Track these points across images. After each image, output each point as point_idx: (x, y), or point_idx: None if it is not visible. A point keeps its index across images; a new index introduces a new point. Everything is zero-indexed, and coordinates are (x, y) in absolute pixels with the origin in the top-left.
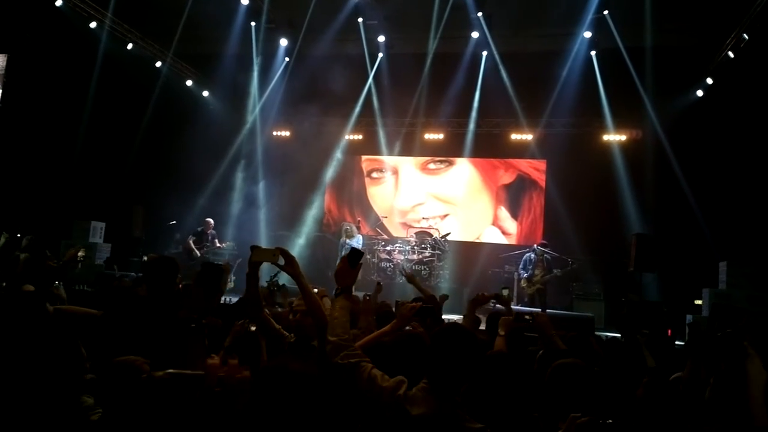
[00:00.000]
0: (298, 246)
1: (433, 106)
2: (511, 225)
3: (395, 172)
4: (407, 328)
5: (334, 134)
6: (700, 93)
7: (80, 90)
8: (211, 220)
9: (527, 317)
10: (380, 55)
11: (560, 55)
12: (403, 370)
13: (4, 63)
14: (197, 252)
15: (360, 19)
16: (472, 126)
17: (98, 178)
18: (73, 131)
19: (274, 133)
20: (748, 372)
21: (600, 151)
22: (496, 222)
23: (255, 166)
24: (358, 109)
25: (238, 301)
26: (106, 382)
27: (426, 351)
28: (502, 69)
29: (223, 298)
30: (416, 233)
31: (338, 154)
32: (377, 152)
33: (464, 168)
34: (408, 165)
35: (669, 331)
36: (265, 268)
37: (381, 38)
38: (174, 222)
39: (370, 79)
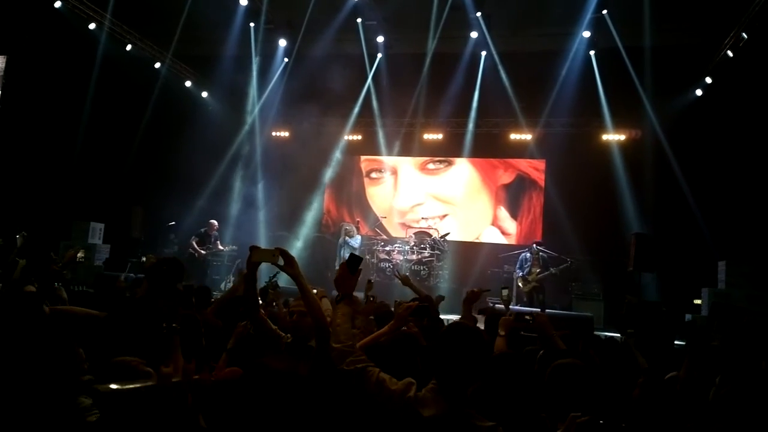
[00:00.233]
0: (297, 246)
1: (432, 106)
2: (511, 225)
3: (394, 172)
4: (403, 328)
5: (333, 134)
6: (699, 92)
7: (79, 91)
8: (215, 222)
9: (527, 317)
10: (379, 55)
11: (559, 55)
12: (399, 369)
13: (4, 64)
14: (200, 252)
15: (359, 20)
16: (471, 126)
17: (97, 179)
18: (73, 132)
19: (273, 134)
20: None
21: (599, 151)
22: (495, 222)
23: (254, 166)
24: (357, 109)
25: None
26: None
27: (420, 350)
28: (501, 69)
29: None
30: (415, 233)
31: (337, 155)
32: (376, 152)
33: (463, 168)
34: (407, 165)
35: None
36: (264, 269)
37: (380, 38)
38: (173, 223)
39: (369, 80)
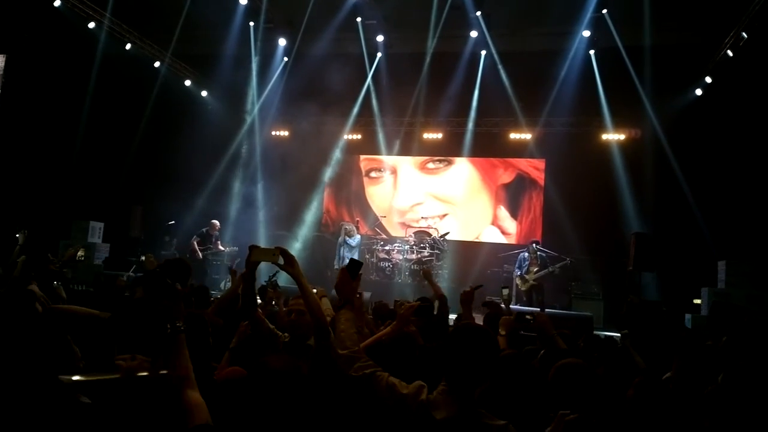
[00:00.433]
0: (296, 246)
1: (432, 105)
2: (511, 224)
3: (394, 171)
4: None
5: (332, 134)
6: (699, 92)
7: (79, 90)
8: (216, 222)
9: (528, 317)
10: (379, 54)
11: (559, 54)
12: (398, 368)
13: (3, 63)
14: (200, 253)
15: (359, 19)
16: (470, 125)
17: (97, 178)
18: (72, 131)
19: (273, 133)
20: None
21: (599, 151)
22: (495, 221)
23: (253, 166)
24: (356, 108)
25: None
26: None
27: (418, 349)
28: (501, 68)
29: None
30: (415, 233)
31: (337, 154)
32: (376, 152)
33: (463, 167)
34: (407, 164)
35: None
36: (264, 268)
37: (380, 38)
38: (173, 222)
39: (369, 79)
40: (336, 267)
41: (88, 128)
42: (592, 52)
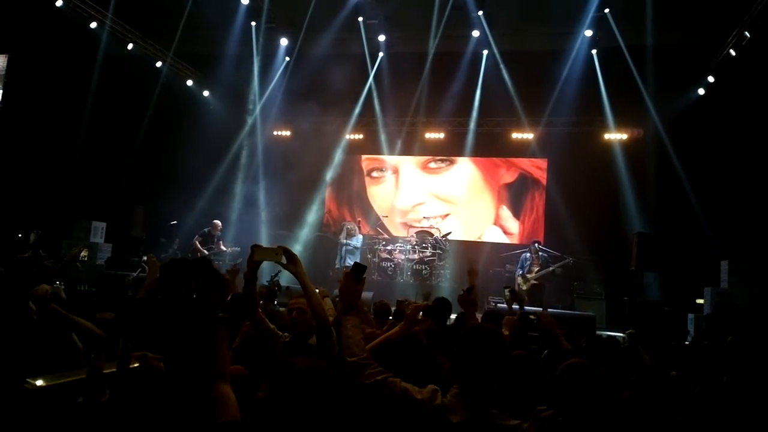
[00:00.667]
0: (298, 245)
1: (434, 105)
2: (513, 224)
3: (395, 171)
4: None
5: (334, 134)
6: (701, 91)
7: (81, 90)
8: (218, 222)
9: (532, 317)
10: (381, 54)
11: (561, 54)
12: (403, 369)
13: (5, 63)
14: (203, 252)
15: (360, 19)
16: (472, 125)
17: (99, 178)
18: (74, 131)
19: (275, 133)
20: None
21: (601, 150)
22: (497, 221)
23: (255, 165)
24: (358, 108)
25: (231, 299)
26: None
27: (422, 349)
28: (503, 68)
29: None
30: (417, 233)
31: (338, 154)
32: (378, 152)
33: (465, 167)
34: (408, 164)
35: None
36: (266, 267)
37: (381, 37)
38: (175, 222)
39: (371, 79)
40: (337, 267)
41: (90, 128)
42: (594, 51)
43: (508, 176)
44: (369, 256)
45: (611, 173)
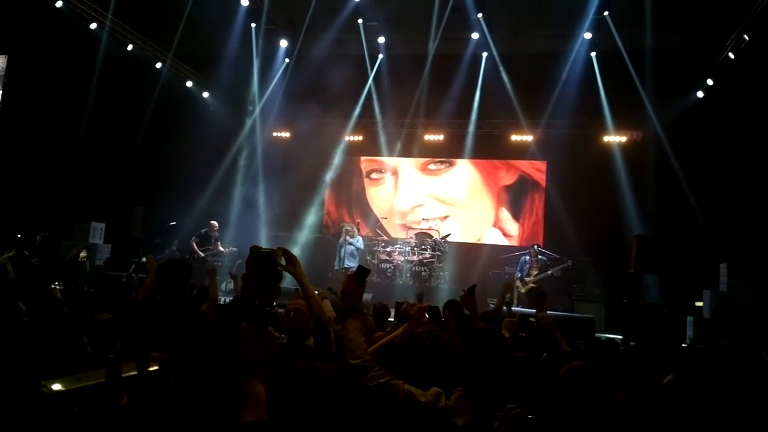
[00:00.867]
0: (297, 247)
1: (433, 107)
2: (513, 227)
3: (395, 173)
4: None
5: (333, 135)
6: (700, 94)
7: (80, 91)
8: (215, 223)
9: (531, 319)
10: (380, 56)
11: (560, 57)
12: (408, 371)
13: (5, 64)
14: (200, 254)
15: (360, 20)
16: (472, 127)
17: (98, 179)
18: (74, 132)
19: (274, 134)
20: None
21: (600, 153)
22: (497, 223)
23: (254, 167)
24: (358, 110)
25: (232, 300)
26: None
27: (426, 351)
28: (503, 70)
29: (221, 299)
30: (416, 234)
31: (338, 155)
32: (377, 153)
33: (465, 169)
34: (408, 166)
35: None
36: None
37: (381, 39)
38: (174, 223)
39: (370, 80)
40: (336, 268)
41: (90, 129)
42: (593, 54)
43: (508, 178)
44: (368, 258)
45: (610, 176)
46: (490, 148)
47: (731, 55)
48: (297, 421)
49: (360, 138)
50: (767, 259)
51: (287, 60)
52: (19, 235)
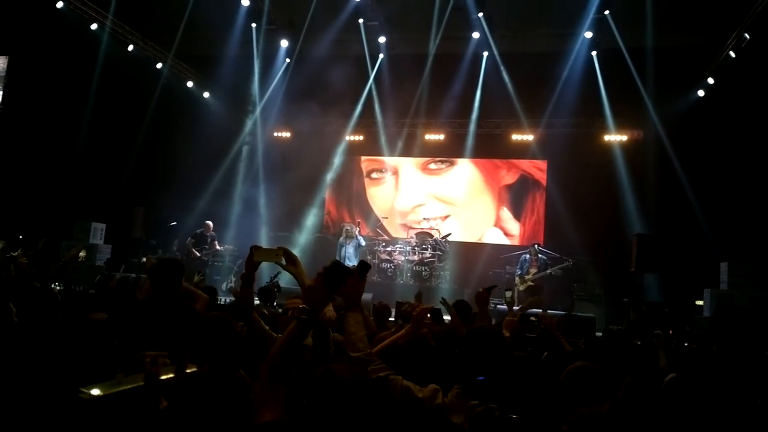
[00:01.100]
0: (297, 247)
1: (434, 106)
2: (514, 226)
3: (395, 172)
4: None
5: (334, 135)
6: (701, 93)
7: (81, 91)
8: (210, 223)
9: (532, 318)
10: (381, 55)
11: (561, 56)
12: (413, 371)
13: (5, 65)
14: (196, 254)
15: (360, 20)
16: (472, 127)
17: (99, 179)
18: (74, 132)
19: (275, 134)
20: None
21: (601, 152)
22: (498, 223)
23: (255, 167)
24: (358, 109)
25: (236, 301)
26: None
27: (431, 351)
28: (503, 69)
29: (221, 299)
30: (417, 234)
31: (338, 155)
32: (378, 153)
33: (465, 168)
34: (408, 165)
35: (670, 331)
36: (266, 268)
37: (381, 39)
38: (174, 223)
39: (371, 80)
40: None
41: (91, 129)
42: (594, 53)
43: (509, 177)
44: (369, 258)
45: (611, 175)
46: (490, 148)
47: (732, 54)
48: (311, 424)
49: (360, 138)
50: None
51: (288, 60)
52: (21, 237)
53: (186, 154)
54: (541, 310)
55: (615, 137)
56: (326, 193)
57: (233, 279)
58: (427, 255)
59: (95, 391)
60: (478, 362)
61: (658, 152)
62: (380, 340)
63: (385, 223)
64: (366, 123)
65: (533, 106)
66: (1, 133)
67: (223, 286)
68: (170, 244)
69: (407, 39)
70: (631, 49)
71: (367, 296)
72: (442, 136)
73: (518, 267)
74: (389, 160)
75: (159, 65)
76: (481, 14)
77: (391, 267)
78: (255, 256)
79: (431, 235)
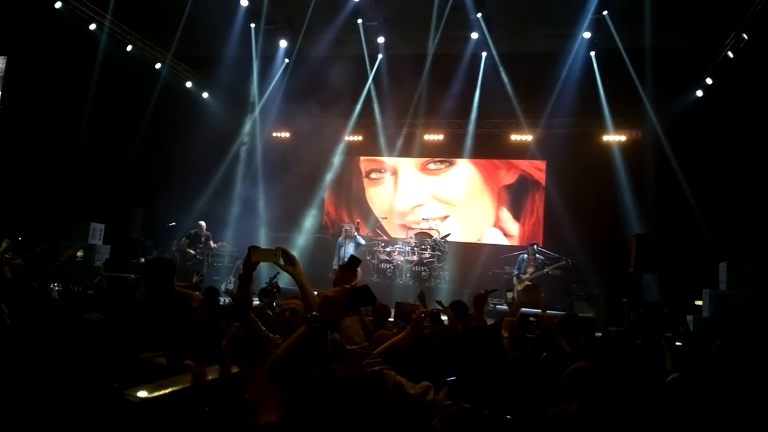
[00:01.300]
0: (297, 247)
1: (433, 106)
2: (513, 226)
3: (394, 172)
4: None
5: (333, 135)
6: (699, 93)
7: (80, 92)
8: (203, 223)
9: (531, 319)
10: (380, 56)
11: (560, 56)
12: (416, 372)
13: (4, 65)
14: (191, 253)
15: (359, 20)
16: (471, 127)
17: (98, 179)
18: (73, 133)
19: (274, 135)
20: None
21: (600, 152)
22: (497, 223)
23: (254, 167)
24: (357, 110)
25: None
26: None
27: (434, 352)
28: (502, 70)
29: (222, 300)
30: (416, 234)
31: (338, 155)
32: (377, 153)
33: (465, 168)
34: (407, 165)
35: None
36: (265, 269)
37: (380, 39)
38: (173, 224)
39: (370, 80)
40: (335, 268)
41: (90, 129)
42: (592, 53)
43: (508, 177)
44: (368, 258)
45: (610, 175)
46: (489, 148)
47: (730, 54)
48: (310, 424)
49: (360, 138)
50: (767, 258)
51: (287, 60)
52: (20, 238)
53: (185, 155)
54: (540, 311)
55: (614, 137)
56: (325, 193)
57: (232, 280)
58: (427, 255)
59: (142, 393)
60: (471, 361)
61: (657, 152)
62: (378, 338)
63: (384, 223)
64: (365, 123)
65: (532, 106)
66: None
67: (222, 287)
68: (169, 244)
69: (406, 39)
70: (630, 49)
71: None
72: (441, 137)
73: (516, 267)
74: (388, 161)
75: (158, 65)
76: (480, 14)
77: (390, 267)
78: (253, 256)
79: (430, 236)
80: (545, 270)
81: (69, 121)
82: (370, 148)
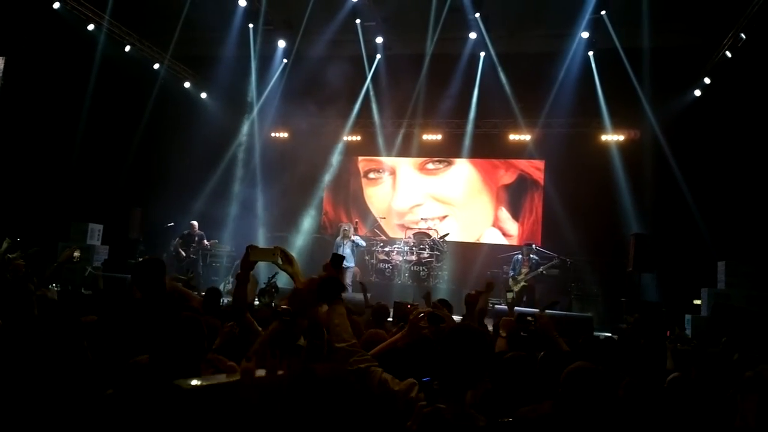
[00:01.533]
0: (295, 248)
1: (431, 106)
2: (512, 226)
3: (393, 172)
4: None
5: (331, 135)
6: (697, 93)
7: (78, 92)
8: (195, 222)
9: (529, 318)
10: (378, 56)
11: (558, 56)
12: (416, 372)
13: (2, 65)
14: (183, 253)
15: (358, 21)
16: (470, 127)
17: (96, 180)
18: (71, 133)
19: (272, 135)
20: None
21: (598, 152)
22: (496, 223)
23: (253, 167)
24: (356, 110)
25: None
26: (122, 383)
27: (434, 352)
28: (500, 70)
29: (222, 300)
30: (414, 234)
31: (336, 155)
32: (375, 153)
33: (463, 168)
34: (406, 165)
35: (668, 333)
36: (263, 269)
37: (379, 39)
38: (172, 224)
39: (368, 81)
40: None
41: (88, 130)
42: (590, 53)
43: (507, 177)
44: (367, 258)
45: (608, 174)
46: (488, 148)
47: (728, 54)
48: (292, 422)
49: (358, 138)
50: (765, 257)
51: (285, 60)
52: (19, 239)
53: (183, 155)
54: (537, 310)
55: (612, 137)
56: (323, 193)
57: (231, 280)
58: (425, 255)
59: (194, 382)
60: (455, 360)
61: (655, 152)
62: (372, 336)
63: (382, 223)
64: (363, 123)
65: (530, 106)
66: None
67: (222, 287)
68: (168, 244)
69: (404, 39)
70: (628, 49)
71: (357, 296)
72: (439, 136)
73: (511, 268)
74: (387, 160)
75: (156, 66)
76: (477, 15)
77: (388, 267)
78: (251, 255)
79: (429, 236)
80: (540, 270)
81: (67, 122)
82: (369, 148)
